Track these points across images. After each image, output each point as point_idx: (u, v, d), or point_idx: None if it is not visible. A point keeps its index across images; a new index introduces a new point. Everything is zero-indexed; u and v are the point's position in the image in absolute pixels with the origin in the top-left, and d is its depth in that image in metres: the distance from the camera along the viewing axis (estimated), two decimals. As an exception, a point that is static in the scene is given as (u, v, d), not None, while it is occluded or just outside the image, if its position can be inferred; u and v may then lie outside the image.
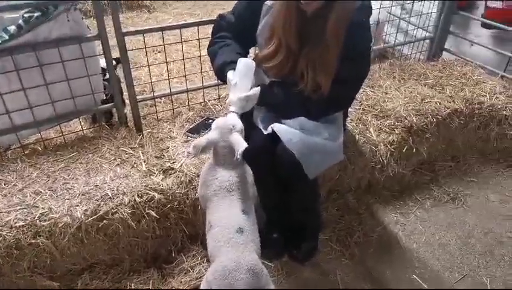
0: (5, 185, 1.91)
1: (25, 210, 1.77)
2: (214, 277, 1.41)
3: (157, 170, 2.01)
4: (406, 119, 2.45)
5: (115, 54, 2.19)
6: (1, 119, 2.04)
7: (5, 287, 1.78)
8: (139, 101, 2.37)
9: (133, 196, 1.86)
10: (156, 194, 1.88)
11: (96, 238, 1.82)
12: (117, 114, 2.40)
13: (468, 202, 2.47)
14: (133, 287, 1.87)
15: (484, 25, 3.19)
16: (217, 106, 2.59)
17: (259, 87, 1.77)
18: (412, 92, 2.73)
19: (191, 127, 2.36)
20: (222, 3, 4.98)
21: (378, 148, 2.33)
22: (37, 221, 1.73)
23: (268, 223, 2.04)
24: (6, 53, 1.89)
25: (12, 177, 1.96)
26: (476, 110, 2.65)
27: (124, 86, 2.31)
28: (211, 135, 1.62)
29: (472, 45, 3.32)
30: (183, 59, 2.47)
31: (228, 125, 1.61)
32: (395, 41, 3.33)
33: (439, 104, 2.59)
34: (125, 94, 2.36)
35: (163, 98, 2.77)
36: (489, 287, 1.98)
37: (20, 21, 1.90)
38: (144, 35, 2.29)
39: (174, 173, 2.01)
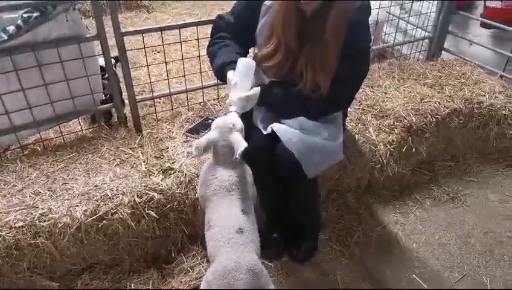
0: (4, 185, 1.91)
1: (24, 210, 1.77)
2: (214, 276, 1.41)
3: (156, 170, 2.01)
4: (406, 119, 2.46)
5: (114, 54, 2.19)
6: (0, 119, 2.04)
7: (5, 287, 1.78)
8: (139, 101, 2.37)
9: (132, 196, 1.86)
10: (155, 195, 1.88)
11: (95, 239, 1.82)
12: (116, 114, 2.40)
13: (467, 202, 2.48)
14: (133, 288, 1.87)
15: (483, 25, 3.19)
16: (216, 106, 2.59)
17: (259, 87, 1.77)
18: (411, 92, 2.73)
19: (190, 127, 2.36)
20: (221, 3, 4.97)
21: (377, 148, 2.33)
22: (37, 221, 1.73)
23: (268, 223, 2.04)
24: (5, 53, 1.89)
25: (12, 178, 1.95)
26: (475, 109, 2.65)
27: (123, 86, 2.31)
28: (211, 134, 1.62)
29: (471, 44, 3.32)
30: (183, 59, 2.46)
31: (228, 125, 1.61)
32: (394, 41, 3.33)
33: (439, 103, 2.59)
34: (125, 94, 2.36)
35: (162, 98, 2.77)
36: (489, 287, 1.98)
37: (19, 21, 1.90)
38: (143, 35, 2.28)
39: (173, 173, 2.00)
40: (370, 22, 1.81)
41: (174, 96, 2.64)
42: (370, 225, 2.28)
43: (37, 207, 1.78)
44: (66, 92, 2.13)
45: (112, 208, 1.81)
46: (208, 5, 5.18)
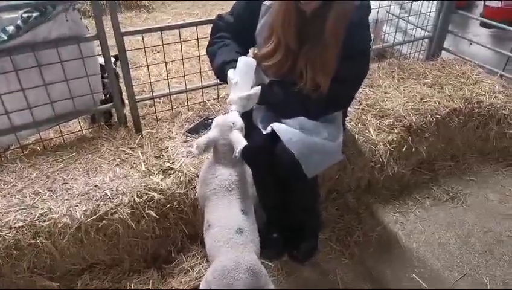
0: (4, 185, 1.91)
1: (24, 210, 1.77)
2: (213, 276, 1.41)
3: (156, 170, 2.01)
4: (405, 118, 2.46)
5: (114, 54, 2.19)
6: (0, 119, 2.04)
7: (4, 287, 1.78)
8: (138, 101, 2.37)
9: (132, 196, 1.86)
10: (155, 194, 1.88)
11: (95, 239, 1.82)
12: (116, 114, 2.40)
13: (467, 201, 2.48)
14: (132, 287, 1.87)
15: (483, 24, 3.19)
16: (216, 106, 2.59)
17: (259, 86, 1.77)
18: (411, 92, 2.73)
19: (190, 127, 2.36)
20: (221, 3, 4.97)
21: (377, 147, 2.33)
22: (37, 221, 1.73)
23: (268, 223, 2.04)
24: (5, 53, 1.89)
25: (12, 178, 1.96)
26: (475, 109, 2.65)
27: (122, 86, 2.31)
28: (211, 133, 1.61)
29: (471, 44, 3.33)
30: (182, 59, 2.46)
31: (228, 123, 1.60)
32: (394, 40, 3.33)
33: (439, 103, 2.59)
34: (124, 94, 2.36)
35: (162, 98, 2.77)
36: (488, 287, 1.98)
37: (19, 21, 1.90)
38: (143, 35, 2.29)
39: (173, 173, 2.00)
40: (369, 21, 1.81)
41: (174, 96, 2.64)
42: (370, 225, 2.28)
43: (37, 207, 1.79)
44: (66, 92, 2.13)
45: (112, 208, 1.82)
46: (207, 5, 5.18)
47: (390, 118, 2.47)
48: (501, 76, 3.02)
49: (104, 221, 1.80)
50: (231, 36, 1.89)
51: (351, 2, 1.64)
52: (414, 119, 2.45)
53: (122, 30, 2.12)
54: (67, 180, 1.94)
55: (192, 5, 5.23)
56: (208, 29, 2.02)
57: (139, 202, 1.85)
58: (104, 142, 2.20)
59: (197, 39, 2.37)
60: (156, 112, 2.51)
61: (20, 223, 1.72)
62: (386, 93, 2.72)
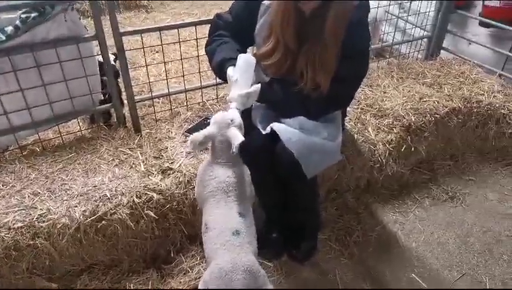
0: (3, 186, 1.91)
1: (23, 211, 1.77)
2: (211, 278, 1.41)
3: (155, 170, 2.01)
4: (405, 118, 2.46)
5: (113, 52, 2.19)
6: (-1, 120, 2.04)
7: (4, 288, 1.78)
8: (137, 102, 2.37)
9: (131, 196, 1.86)
10: (154, 195, 1.88)
11: (95, 239, 1.82)
12: (115, 114, 2.39)
13: (466, 201, 2.48)
14: (132, 288, 1.87)
15: (482, 24, 3.19)
16: (215, 106, 2.59)
17: (259, 84, 1.76)
18: (410, 91, 2.73)
19: (189, 127, 2.36)
20: (220, 3, 4.97)
21: (376, 147, 2.33)
22: (36, 222, 1.73)
23: (267, 222, 2.04)
24: (3, 54, 1.89)
25: (11, 179, 1.95)
26: (474, 108, 2.65)
27: (122, 86, 2.31)
28: (209, 129, 1.60)
29: (470, 43, 3.33)
30: (181, 59, 2.46)
31: (226, 120, 1.59)
32: (393, 40, 3.33)
33: (438, 103, 2.59)
34: (124, 94, 2.35)
35: (161, 98, 2.76)
36: (488, 286, 1.98)
37: (17, 21, 1.90)
38: (142, 35, 2.28)
39: (172, 173, 2.00)
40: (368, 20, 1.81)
41: (173, 96, 2.64)
42: (369, 225, 2.28)
43: (36, 208, 1.78)
44: (65, 93, 2.13)
45: (111, 209, 1.81)
46: (206, 4, 5.18)
47: (389, 118, 2.47)
48: (500, 75, 3.02)
49: (103, 221, 1.80)
50: (230, 35, 1.88)
51: (350, 1, 1.64)
52: (413, 119, 2.46)
53: (121, 30, 2.12)
54: (66, 180, 1.94)
55: (191, 5, 5.23)
56: (206, 29, 2.02)
57: (138, 203, 1.85)
58: (103, 143, 2.20)
59: (196, 39, 2.36)
60: (155, 112, 2.51)
61: (19, 224, 1.71)
62: (385, 93, 2.72)
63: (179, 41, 2.35)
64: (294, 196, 1.93)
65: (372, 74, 2.95)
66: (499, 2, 3.04)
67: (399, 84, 2.83)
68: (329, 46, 1.66)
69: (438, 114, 2.52)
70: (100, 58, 2.20)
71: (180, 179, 1.97)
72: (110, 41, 2.11)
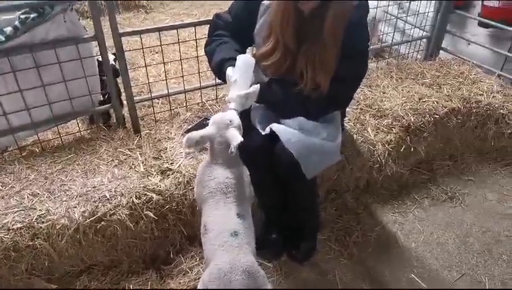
0: (2, 187, 1.91)
1: (22, 212, 1.77)
2: (210, 279, 1.41)
3: (155, 171, 2.00)
4: (404, 118, 2.46)
5: (113, 52, 2.19)
6: (-2, 120, 2.04)
7: (3, 289, 1.78)
8: (137, 102, 2.36)
9: (131, 197, 1.86)
10: (154, 195, 1.88)
11: (94, 240, 1.82)
12: (115, 115, 2.39)
13: (466, 201, 2.48)
14: (131, 289, 1.87)
15: (481, 24, 3.19)
16: (214, 106, 2.59)
17: (258, 85, 1.76)
18: (410, 92, 2.73)
19: (189, 127, 2.36)
20: (219, 3, 4.97)
21: (376, 147, 2.33)
22: (35, 223, 1.73)
23: (267, 222, 2.04)
24: (2, 54, 1.89)
25: (10, 179, 1.95)
26: (473, 109, 2.66)
27: (121, 86, 2.31)
28: (208, 129, 1.60)
29: (469, 44, 3.33)
30: (181, 59, 2.46)
31: (225, 121, 1.59)
32: (392, 40, 3.33)
33: (437, 103, 2.60)
34: (123, 95, 2.35)
35: (160, 98, 2.77)
36: (487, 286, 1.98)
37: (17, 22, 1.90)
38: (141, 35, 2.28)
39: (172, 174, 2.00)
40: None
41: (173, 96, 2.64)
42: (369, 225, 2.28)
43: (35, 209, 1.78)
44: (64, 93, 2.13)
45: (110, 209, 1.81)
46: (206, 5, 5.18)
47: (388, 118, 2.47)
48: (499, 76, 3.02)
49: (102, 222, 1.80)
50: (229, 35, 1.88)
51: (349, 1, 1.65)
52: (412, 119, 2.46)
53: (120, 31, 2.12)
54: (66, 181, 1.94)
55: (190, 6, 5.23)
56: (206, 29, 2.02)
57: (138, 203, 1.85)
58: (102, 143, 2.20)
59: (196, 40, 2.36)
60: (154, 113, 2.51)
61: (18, 225, 1.71)
62: (384, 93, 2.73)
63: (178, 42, 2.35)
64: (294, 196, 1.93)
65: (372, 74, 2.95)
66: (498, 2, 3.04)
67: (398, 85, 2.83)
68: (329, 46, 1.66)
69: (437, 114, 2.53)
70: (99, 58, 2.19)
71: (180, 180, 1.97)
72: (109, 42, 2.11)
